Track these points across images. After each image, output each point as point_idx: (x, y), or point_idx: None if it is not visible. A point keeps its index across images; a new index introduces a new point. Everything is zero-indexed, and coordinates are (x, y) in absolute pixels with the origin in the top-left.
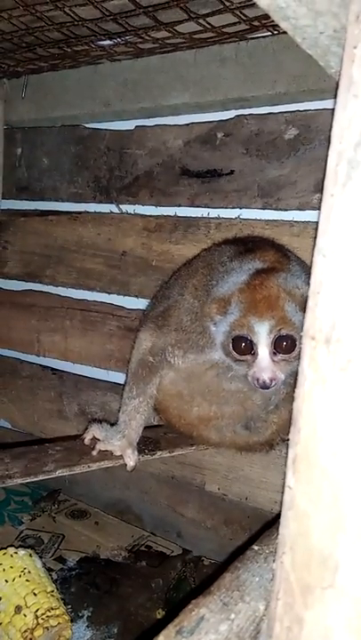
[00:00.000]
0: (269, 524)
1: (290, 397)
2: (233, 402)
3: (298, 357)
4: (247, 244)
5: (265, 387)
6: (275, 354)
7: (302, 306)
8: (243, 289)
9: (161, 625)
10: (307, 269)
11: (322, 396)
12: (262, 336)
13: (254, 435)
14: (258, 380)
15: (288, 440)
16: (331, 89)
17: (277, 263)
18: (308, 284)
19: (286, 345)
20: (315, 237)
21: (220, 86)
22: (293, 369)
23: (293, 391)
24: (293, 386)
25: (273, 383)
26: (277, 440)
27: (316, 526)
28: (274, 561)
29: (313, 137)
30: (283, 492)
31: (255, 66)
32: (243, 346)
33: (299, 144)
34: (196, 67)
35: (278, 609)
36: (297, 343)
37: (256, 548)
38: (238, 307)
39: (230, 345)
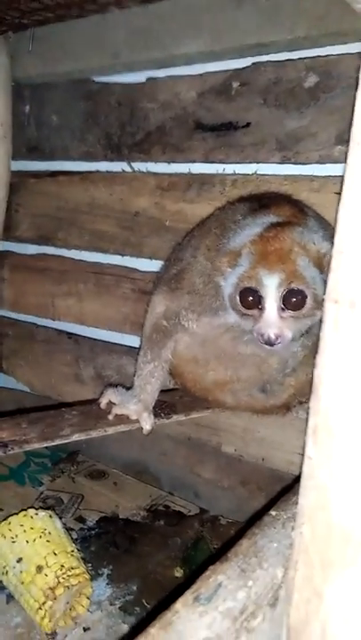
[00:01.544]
0: (287, 489)
1: (307, 360)
2: (249, 365)
3: (308, 315)
4: (262, 201)
5: (269, 343)
6: (283, 309)
7: (317, 262)
8: (255, 240)
9: (179, 586)
10: (325, 226)
11: (345, 363)
12: (271, 289)
13: (271, 398)
14: (262, 335)
15: (305, 402)
16: (354, 31)
17: (293, 217)
18: (326, 240)
19: (296, 301)
20: (336, 192)
21: (235, 32)
22: (302, 327)
23: (310, 353)
24: (311, 348)
25: (278, 340)
26: (295, 403)
27: (337, 500)
28: (293, 528)
29: (335, 84)
30: (302, 460)
31: (273, 8)
32: (250, 299)
33: (319, 92)
34: (209, 11)
35: (297, 580)
36: (308, 300)
37: (274, 513)
38: (248, 258)
39: (237, 297)
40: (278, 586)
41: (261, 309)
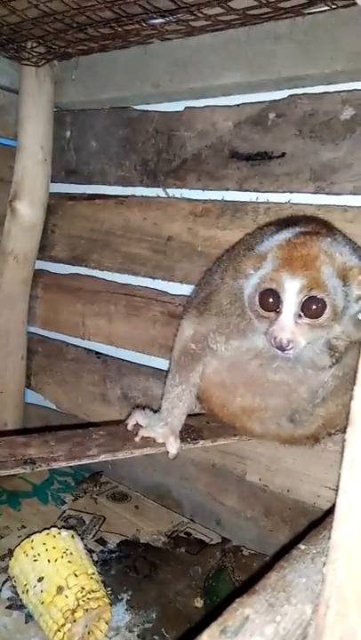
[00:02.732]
0: (316, 523)
1: (337, 391)
2: (278, 394)
3: (324, 325)
4: (292, 219)
5: (281, 348)
6: (300, 316)
7: (342, 274)
8: (281, 245)
9: (199, 618)
10: (354, 246)
11: None
12: (291, 294)
13: (299, 428)
14: (275, 338)
15: (334, 434)
16: None
17: (322, 229)
18: (353, 255)
19: (315, 309)
20: None
21: (273, 65)
22: (316, 338)
23: (341, 384)
24: (341, 379)
25: (290, 346)
26: (323, 434)
27: None
28: (323, 563)
29: None
30: (336, 494)
31: (311, 43)
32: (269, 301)
33: (355, 125)
34: (248, 45)
35: (329, 617)
36: (327, 309)
37: (303, 547)
38: (273, 261)
39: (256, 298)
40: (307, 623)
41: (278, 313)
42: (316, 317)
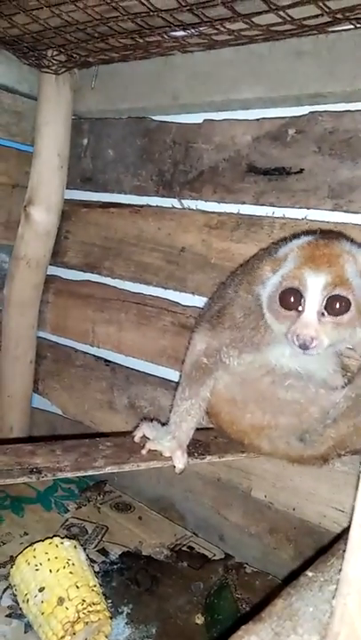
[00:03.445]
0: (324, 549)
1: (349, 412)
2: (288, 412)
3: (348, 325)
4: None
5: (305, 346)
6: (323, 314)
7: None
8: (303, 246)
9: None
10: None
11: None
12: (314, 291)
13: (309, 448)
14: (298, 336)
15: (344, 455)
16: None
17: (340, 235)
18: None
19: (339, 306)
20: None
21: (295, 81)
22: (338, 339)
23: (353, 405)
24: (354, 400)
25: (314, 344)
26: (333, 455)
27: None
28: (331, 592)
29: None
30: (343, 523)
31: (334, 60)
32: (291, 300)
33: None
34: (270, 60)
35: None
36: (351, 307)
37: (310, 574)
38: (295, 260)
39: (277, 297)
40: None
41: (301, 311)
42: (341, 315)
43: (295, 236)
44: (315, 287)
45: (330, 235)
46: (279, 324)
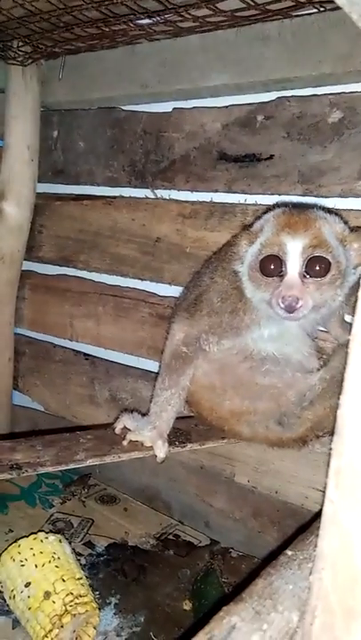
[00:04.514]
0: (303, 528)
1: (325, 393)
2: (266, 397)
3: (330, 284)
4: None
5: (290, 308)
6: (305, 276)
7: (340, 239)
8: (279, 214)
9: (188, 622)
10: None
11: None
12: (294, 254)
13: (287, 431)
14: (283, 299)
15: (322, 436)
16: None
17: (314, 206)
18: (348, 228)
19: (320, 267)
20: (359, 226)
21: (261, 67)
22: (322, 300)
23: (329, 387)
24: (329, 382)
25: (299, 304)
26: (311, 436)
27: None
28: (309, 569)
29: (359, 120)
30: (322, 501)
31: (299, 45)
32: (272, 266)
33: (343, 128)
34: (237, 46)
35: (315, 627)
36: (331, 267)
37: (290, 553)
38: (272, 228)
39: (258, 265)
40: (294, 630)
41: (283, 275)
42: (322, 276)
43: (267, 210)
44: (294, 250)
45: (303, 205)
46: (262, 293)
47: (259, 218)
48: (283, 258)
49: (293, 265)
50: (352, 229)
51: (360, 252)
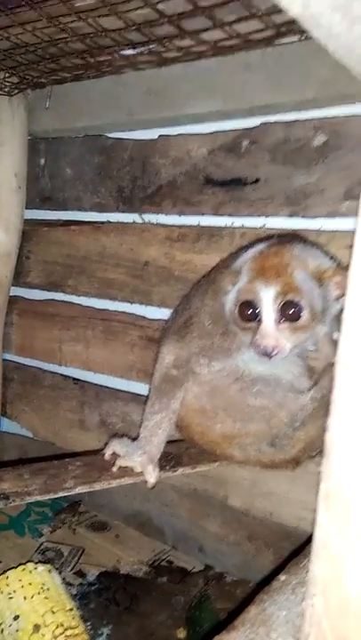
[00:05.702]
0: (296, 551)
1: (317, 413)
2: (258, 419)
3: (305, 327)
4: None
5: (267, 354)
6: (279, 322)
7: (316, 276)
8: (254, 257)
9: None
10: (328, 256)
11: (358, 427)
12: (267, 302)
13: (280, 452)
14: (259, 346)
15: (315, 457)
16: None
17: (294, 238)
18: (326, 258)
19: (293, 312)
20: (344, 247)
21: (245, 93)
22: (300, 341)
23: (320, 407)
24: (320, 401)
25: (275, 351)
26: (304, 457)
27: (354, 573)
28: (303, 594)
29: (342, 143)
30: (313, 521)
31: (282, 72)
32: (248, 312)
33: (328, 151)
34: (220, 74)
35: None
36: (304, 311)
37: (283, 578)
38: (247, 273)
39: (236, 311)
40: None
41: (259, 322)
42: (296, 320)
43: (254, 243)
44: (267, 298)
45: (283, 239)
46: (244, 337)
47: (244, 249)
48: (257, 305)
49: (268, 312)
50: (332, 258)
51: (341, 285)
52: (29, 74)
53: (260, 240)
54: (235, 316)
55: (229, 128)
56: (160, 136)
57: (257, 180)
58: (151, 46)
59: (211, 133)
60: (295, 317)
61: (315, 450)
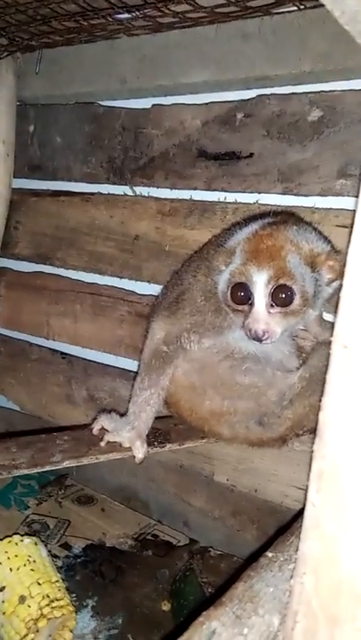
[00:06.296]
0: (283, 528)
1: (305, 392)
2: (247, 397)
3: (296, 312)
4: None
5: (257, 338)
6: (271, 305)
7: (309, 261)
8: (248, 238)
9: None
10: (322, 235)
11: (353, 407)
12: (259, 285)
13: (268, 431)
14: (250, 330)
15: (302, 435)
16: (358, 68)
17: (290, 218)
18: (321, 241)
19: (284, 297)
20: (338, 225)
21: (241, 64)
22: (291, 325)
23: (308, 386)
24: (308, 380)
25: (266, 335)
26: (291, 436)
27: (347, 553)
28: (290, 571)
29: (338, 119)
30: (304, 498)
31: (279, 43)
32: (240, 295)
33: (323, 126)
34: (216, 43)
35: (297, 632)
36: (296, 296)
37: (270, 555)
38: (241, 255)
39: (228, 293)
40: (275, 634)
41: (251, 305)
42: (287, 305)
43: (248, 220)
44: (260, 282)
45: (279, 219)
46: (235, 318)
47: (237, 226)
48: (250, 288)
49: (259, 297)
50: (326, 239)
51: (334, 269)
52: (19, 35)
53: (254, 217)
54: (227, 297)
55: (224, 99)
56: (153, 105)
57: (251, 155)
58: (147, 10)
59: (205, 104)
60: (287, 302)
61: (302, 428)
